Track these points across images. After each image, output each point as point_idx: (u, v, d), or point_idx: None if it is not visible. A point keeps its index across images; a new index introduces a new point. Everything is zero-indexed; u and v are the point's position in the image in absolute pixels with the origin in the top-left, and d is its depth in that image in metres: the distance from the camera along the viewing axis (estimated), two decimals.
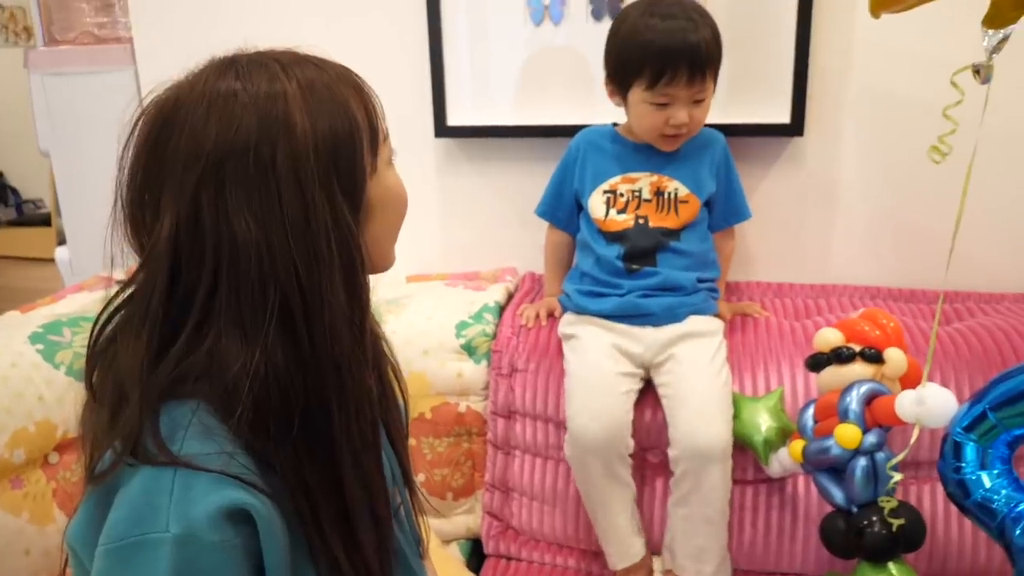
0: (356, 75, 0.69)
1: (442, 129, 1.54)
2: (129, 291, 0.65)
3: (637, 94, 1.21)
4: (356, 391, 0.65)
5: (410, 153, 1.61)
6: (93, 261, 1.85)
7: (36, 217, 4.89)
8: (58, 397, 1.28)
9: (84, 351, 1.39)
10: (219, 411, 0.61)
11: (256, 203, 0.59)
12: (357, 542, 0.66)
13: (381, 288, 1.54)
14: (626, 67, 1.21)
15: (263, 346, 0.60)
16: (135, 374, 0.61)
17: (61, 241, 4.61)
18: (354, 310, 0.64)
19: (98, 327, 0.66)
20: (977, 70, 0.83)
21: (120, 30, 1.84)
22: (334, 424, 0.64)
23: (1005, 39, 0.81)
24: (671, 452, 1.18)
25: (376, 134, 0.67)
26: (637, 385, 1.23)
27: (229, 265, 0.60)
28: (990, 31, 0.81)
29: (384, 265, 0.72)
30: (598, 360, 1.22)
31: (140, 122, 0.63)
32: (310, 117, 0.62)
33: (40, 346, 1.31)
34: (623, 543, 1.22)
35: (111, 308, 0.65)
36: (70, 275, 1.92)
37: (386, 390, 0.78)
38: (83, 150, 1.84)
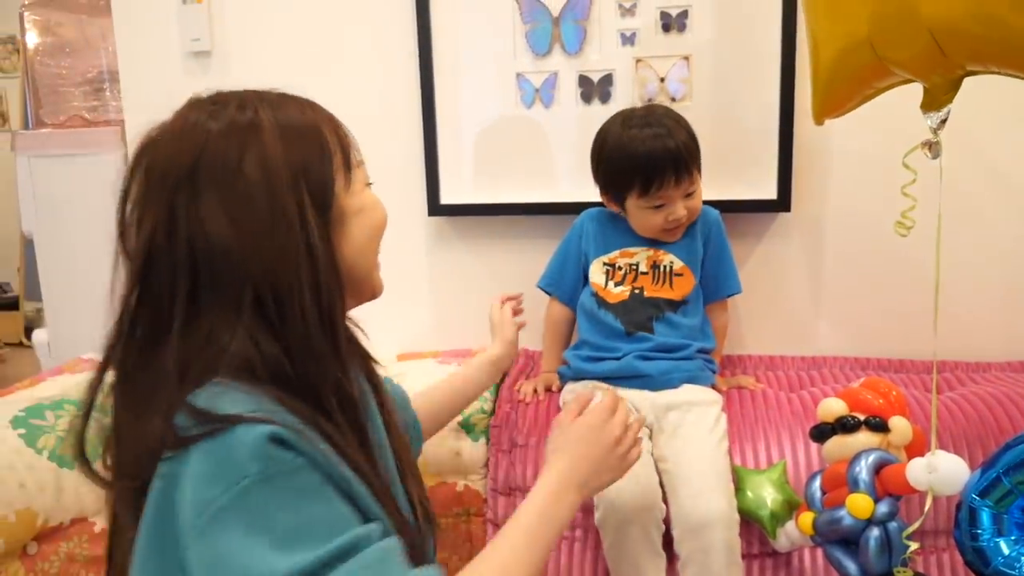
0: (328, 112, 0.76)
1: (435, 207, 1.56)
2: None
3: (633, 202, 1.29)
4: (335, 388, 0.69)
5: (403, 231, 1.62)
6: (74, 343, 1.82)
7: (3, 301, 4.79)
8: (40, 484, 1.24)
9: (67, 435, 1.35)
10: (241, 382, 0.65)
11: (229, 204, 0.65)
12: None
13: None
14: (617, 181, 1.29)
15: (246, 333, 0.65)
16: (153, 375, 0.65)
17: (28, 326, 4.53)
18: (322, 307, 0.68)
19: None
20: (928, 146, 0.88)
21: (111, 113, 1.85)
22: (327, 416, 0.68)
23: (944, 120, 0.87)
24: (675, 532, 1.16)
25: (348, 155, 0.74)
26: (649, 446, 1.23)
27: (206, 263, 0.65)
28: (931, 113, 0.87)
29: (371, 286, 0.79)
30: None
31: (130, 161, 0.70)
32: (279, 127, 0.68)
33: (22, 431, 1.27)
34: None
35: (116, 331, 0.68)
36: (48, 358, 1.87)
37: (383, 411, 0.82)
38: (67, 232, 1.83)
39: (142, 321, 0.67)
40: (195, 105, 0.70)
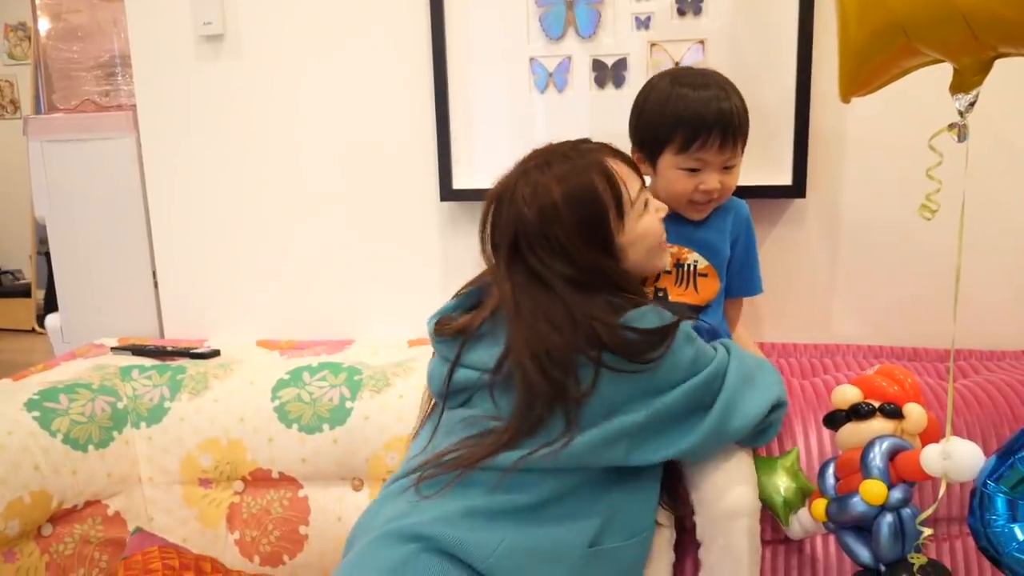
0: (604, 158, 1.06)
1: (447, 192, 1.55)
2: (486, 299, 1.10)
3: (668, 159, 1.20)
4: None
5: (415, 217, 1.62)
6: (87, 328, 1.82)
7: (15, 288, 4.83)
8: (54, 466, 1.25)
9: (81, 418, 1.38)
10: None
11: (556, 255, 1.02)
12: None
13: (384, 352, 1.53)
14: (657, 134, 1.20)
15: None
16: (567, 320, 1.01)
17: (40, 312, 4.55)
18: (633, 288, 1.08)
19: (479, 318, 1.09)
20: (956, 128, 0.86)
21: (122, 97, 1.85)
22: None
23: (973, 103, 0.85)
24: (698, 519, 1.15)
25: (621, 202, 1.05)
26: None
27: (565, 280, 1.02)
28: (959, 95, 0.86)
29: (659, 268, 1.16)
30: None
31: (487, 202, 1.09)
32: (569, 204, 1.02)
33: (36, 413, 1.28)
34: None
35: (486, 308, 1.08)
36: (61, 343, 1.88)
37: None
38: (79, 217, 1.83)
39: (524, 300, 1.02)
40: (516, 174, 1.07)
